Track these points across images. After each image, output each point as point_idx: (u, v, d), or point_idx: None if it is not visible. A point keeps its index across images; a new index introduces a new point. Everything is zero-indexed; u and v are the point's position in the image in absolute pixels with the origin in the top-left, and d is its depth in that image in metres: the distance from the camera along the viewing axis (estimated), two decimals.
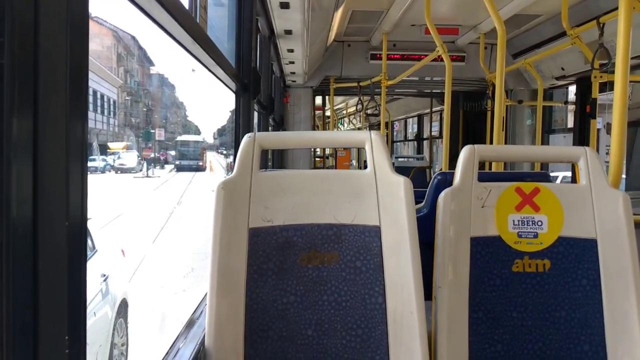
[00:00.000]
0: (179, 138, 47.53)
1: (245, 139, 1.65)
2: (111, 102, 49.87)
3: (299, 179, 1.68)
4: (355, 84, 6.71)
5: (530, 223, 1.74)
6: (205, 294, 1.64)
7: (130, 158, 39.25)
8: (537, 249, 1.73)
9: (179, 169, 40.62)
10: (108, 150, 43.66)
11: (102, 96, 46.08)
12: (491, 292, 1.72)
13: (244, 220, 1.62)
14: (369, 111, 10.13)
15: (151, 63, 58.72)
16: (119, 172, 36.63)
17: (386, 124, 14.15)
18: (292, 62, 4.97)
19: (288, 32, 3.73)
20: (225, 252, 1.58)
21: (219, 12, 2.99)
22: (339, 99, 8.41)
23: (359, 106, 7.44)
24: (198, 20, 1.71)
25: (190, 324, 1.74)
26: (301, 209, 1.65)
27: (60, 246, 0.70)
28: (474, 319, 1.69)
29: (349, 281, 1.62)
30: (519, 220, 1.74)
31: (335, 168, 8.43)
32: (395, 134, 15.13)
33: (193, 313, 1.84)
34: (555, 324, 1.71)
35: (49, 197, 0.68)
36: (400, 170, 7.22)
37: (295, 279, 1.62)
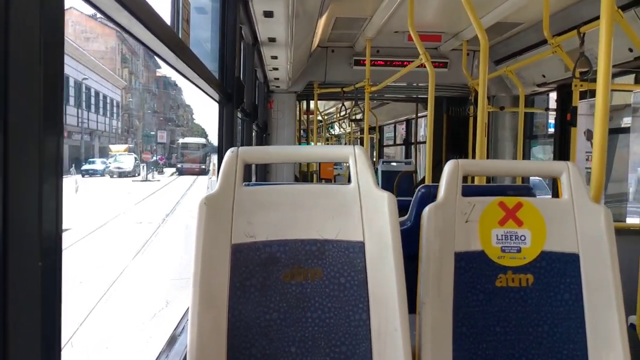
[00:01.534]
0: (181, 140, 45.86)
1: (228, 154, 1.64)
2: (114, 104, 48.65)
3: (282, 194, 1.67)
4: (339, 90, 6.72)
5: (514, 238, 1.75)
6: (187, 310, 1.61)
7: (127, 161, 37.41)
8: (520, 263, 1.74)
9: (181, 172, 38.93)
10: (110, 153, 42.22)
11: (104, 97, 45.02)
12: (475, 307, 1.72)
13: (227, 236, 1.60)
14: (358, 116, 10.16)
15: (156, 65, 57.29)
16: (114, 175, 35.19)
17: (375, 128, 14.23)
18: (276, 69, 4.96)
19: (272, 39, 3.72)
20: (208, 268, 1.56)
21: (202, 20, 2.97)
22: (330, 102, 8.41)
23: (343, 112, 7.45)
24: (180, 34, 1.69)
25: (172, 340, 1.72)
26: (285, 224, 1.64)
27: (33, 265, 0.68)
28: (458, 334, 1.70)
29: (332, 297, 1.61)
30: (502, 235, 1.75)
31: (319, 173, 8.42)
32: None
33: (175, 329, 1.81)
34: (538, 339, 1.71)
35: (21, 215, 0.66)
36: (386, 174, 7.24)
37: (279, 295, 1.61)
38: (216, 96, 2.53)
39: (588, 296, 1.71)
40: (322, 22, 5.18)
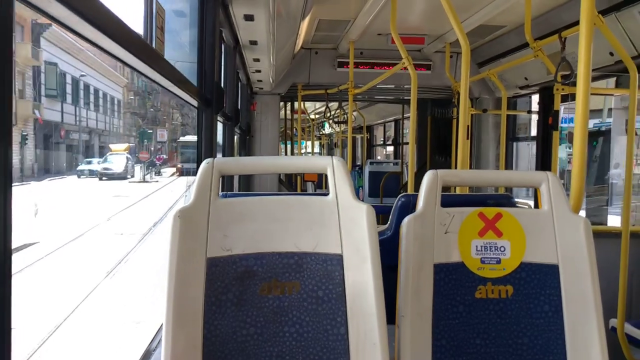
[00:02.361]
0: (181, 139, 42.81)
1: (203, 165, 1.60)
2: (115, 102, 47.02)
3: (259, 205, 1.64)
4: (322, 92, 6.69)
5: (493, 249, 1.74)
6: (161, 326, 1.58)
7: (118, 161, 34.04)
8: (500, 274, 1.72)
9: (181, 172, 36.02)
10: (110, 152, 40.03)
11: (104, 95, 43.44)
12: (454, 319, 1.70)
13: (202, 250, 1.57)
14: (342, 117, 10.10)
15: None
16: (103, 178, 31.96)
17: (366, 128, 14.20)
18: (259, 71, 4.92)
19: (253, 42, 3.68)
20: (182, 282, 1.53)
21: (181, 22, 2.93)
22: (319, 102, 8.37)
23: (327, 113, 7.42)
24: (154, 43, 1.65)
25: (146, 356, 1.68)
26: (261, 237, 1.61)
27: None
28: (437, 347, 1.68)
29: (310, 311, 1.58)
30: (482, 246, 1.74)
31: (304, 179, 8.38)
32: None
33: (149, 345, 1.77)
34: (518, 351, 1.70)
35: None
36: (373, 175, 7.21)
37: (255, 310, 1.58)
38: (194, 102, 2.49)
39: (567, 307, 1.70)
40: (305, 24, 5.15)
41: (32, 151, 30.97)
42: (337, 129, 15.12)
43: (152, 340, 1.82)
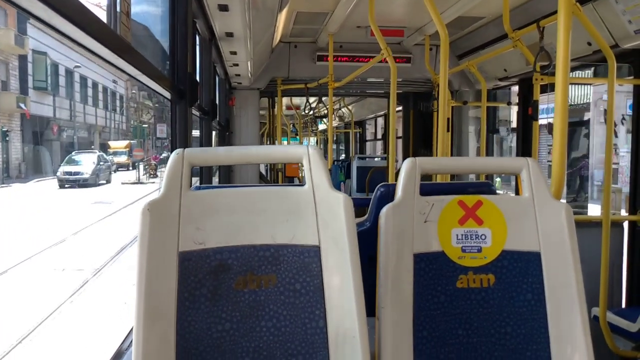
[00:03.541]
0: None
1: (173, 156, 1.54)
2: (117, 97, 44.45)
3: (233, 197, 1.58)
4: (302, 86, 6.63)
5: (474, 237, 1.70)
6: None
7: (85, 163, 26.73)
8: (481, 263, 1.69)
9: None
10: (109, 150, 37.53)
11: (104, 89, 40.93)
12: (436, 309, 1.66)
13: (173, 244, 1.51)
14: (323, 111, 10.04)
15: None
16: (66, 185, 24.90)
17: (358, 122, 14.12)
18: (236, 65, 4.84)
19: (229, 34, 3.61)
20: (152, 278, 1.47)
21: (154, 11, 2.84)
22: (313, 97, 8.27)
23: (307, 109, 7.36)
24: (119, 29, 1.58)
25: (118, 356, 1.61)
26: (236, 230, 1.55)
27: None
28: (419, 339, 1.64)
29: (288, 305, 1.53)
30: (462, 235, 1.70)
31: (285, 172, 8.32)
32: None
33: (121, 345, 1.71)
34: (502, 340, 1.67)
35: None
36: (361, 170, 7.20)
37: (231, 304, 1.52)
38: (167, 94, 2.42)
39: (550, 295, 1.67)
40: (282, 16, 5.07)
41: (18, 149, 27.77)
42: (327, 125, 15.01)
43: (124, 340, 1.75)
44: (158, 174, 30.51)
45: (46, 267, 10.20)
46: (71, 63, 33.13)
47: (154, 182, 27.66)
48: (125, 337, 1.77)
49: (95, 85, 38.86)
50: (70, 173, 25.85)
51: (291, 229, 1.55)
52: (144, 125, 45.38)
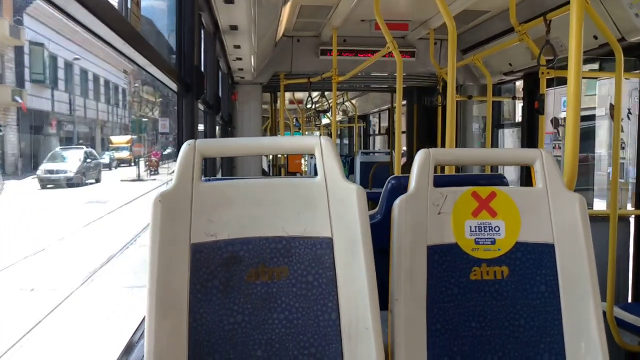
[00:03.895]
0: None
1: (184, 147, 1.52)
2: (119, 90, 42.13)
3: (245, 189, 1.56)
4: (305, 80, 6.60)
5: (488, 229, 1.68)
6: (144, 317, 1.50)
7: (71, 159, 23.23)
8: (495, 255, 1.67)
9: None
10: (110, 145, 36.07)
11: (106, 82, 38.94)
12: (449, 302, 1.65)
13: (185, 235, 1.49)
14: (325, 106, 10.01)
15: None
16: (48, 185, 21.04)
17: (362, 117, 14.06)
18: (240, 59, 4.81)
19: (234, 27, 3.59)
20: (165, 270, 1.45)
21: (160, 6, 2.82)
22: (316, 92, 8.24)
23: (309, 104, 7.33)
24: (129, 18, 1.56)
25: (128, 349, 1.60)
26: (248, 222, 1.53)
27: None
28: (432, 331, 1.62)
29: (300, 297, 1.52)
30: (475, 227, 1.68)
31: (287, 167, 8.29)
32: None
33: (132, 337, 1.69)
34: (515, 333, 1.65)
35: None
36: (364, 165, 7.15)
37: (243, 296, 1.51)
38: (174, 86, 2.40)
39: (564, 287, 1.65)
40: (286, 10, 5.05)
41: (14, 144, 25.92)
42: (331, 119, 14.93)
43: (134, 332, 1.74)
44: (160, 170, 29.23)
45: (11, 287, 8.09)
46: (70, 55, 31.84)
47: (154, 179, 26.20)
48: (136, 329, 1.76)
49: (96, 78, 37.56)
50: (52, 171, 21.82)
51: (303, 220, 1.54)
52: (143, 119, 43.30)
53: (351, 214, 1.52)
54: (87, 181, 23.47)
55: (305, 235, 1.53)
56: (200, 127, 3.93)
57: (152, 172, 28.79)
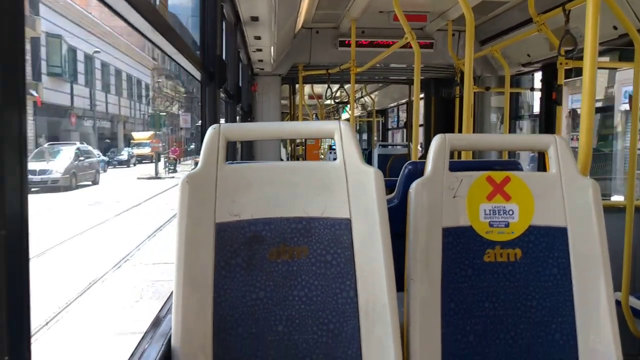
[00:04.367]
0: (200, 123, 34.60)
1: (210, 131, 1.60)
2: (143, 86, 42.06)
3: (267, 172, 1.63)
4: (324, 72, 6.65)
5: (502, 212, 1.73)
6: (172, 292, 1.58)
7: (61, 157, 20.04)
8: (508, 238, 1.72)
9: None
10: (132, 142, 36.02)
11: (129, 77, 38.67)
12: (463, 282, 1.70)
13: (210, 215, 1.57)
14: (347, 97, 10.01)
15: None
16: (33, 189, 17.35)
17: (380, 111, 14.06)
18: (260, 50, 4.88)
19: (255, 18, 3.65)
20: (191, 248, 1.53)
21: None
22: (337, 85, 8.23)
23: (329, 96, 7.37)
24: (157, 6, 1.63)
25: (156, 322, 1.68)
26: (269, 203, 1.60)
27: None
28: (446, 311, 1.68)
29: (319, 275, 1.59)
30: (490, 210, 1.73)
31: (305, 156, 8.36)
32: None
33: (159, 311, 1.78)
34: (527, 313, 1.70)
35: None
36: (382, 158, 7.16)
37: (265, 274, 1.58)
38: (198, 75, 2.47)
39: (576, 270, 1.70)
40: (305, 1, 5.10)
41: (30, 140, 24.24)
42: (350, 113, 14.90)
43: (162, 307, 1.82)
44: (178, 169, 28.66)
45: None
46: (90, 48, 31.01)
47: (173, 177, 24.71)
48: (164, 304, 1.84)
49: (118, 72, 36.90)
50: (34, 172, 17.83)
51: (322, 202, 1.60)
52: (161, 114, 42.42)
53: (369, 196, 1.57)
54: (79, 183, 20.38)
55: (325, 216, 1.60)
56: (222, 121, 4.01)
57: (171, 170, 28.14)
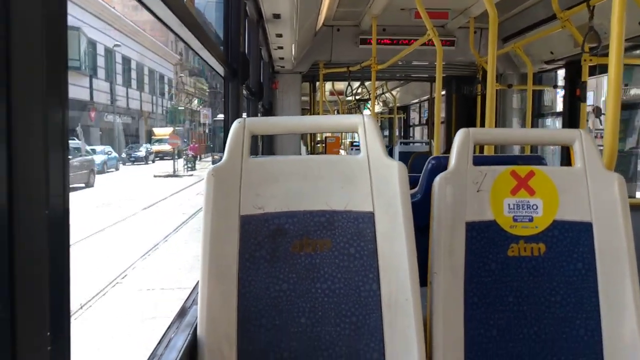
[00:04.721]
0: (220, 117, 30.03)
1: (235, 125, 1.62)
2: (165, 81, 40.83)
3: (290, 165, 1.65)
4: (345, 69, 6.65)
5: (526, 207, 1.73)
6: (197, 282, 1.61)
7: None
8: (533, 232, 1.71)
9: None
10: (153, 137, 35.18)
11: (151, 72, 37.63)
12: (487, 277, 1.70)
13: (235, 208, 1.59)
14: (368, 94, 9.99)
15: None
16: None
17: (402, 108, 14.02)
18: (281, 47, 4.90)
19: (277, 16, 3.67)
20: (217, 239, 1.55)
21: None
22: (357, 82, 8.16)
23: (350, 94, 7.38)
24: (185, 1, 1.66)
25: (182, 312, 1.71)
26: (293, 196, 1.62)
27: (40, 236, 0.66)
28: (469, 304, 1.68)
29: (342, 268, 1.60)
30: (514, 204, 1.73)
31: (325, 153, 8.38)
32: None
33: (185, 301, 1.81)
34: (551, 308, 1.70)
35: (27, 185, 0.64)
36: (403, 155, 7.14)
37: (288, 266, 1.60)
38: (221, 71, 2.50)
39: (601, 265, 1.68)
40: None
41: None
42: (378, 110, 14.87)
43: (187, 297, 1.85)
44: (197, 166, 27.79)
45: None
46: (110, 41, 30.04)
47: (192, 175, 23.94)
48: (189, 296, 1.87)
49: (140, 67, 36.02)
50: None
51: (346, 195, 1.61)
52: (179, 108, 40.67)
53: (392, 190, 1.58)
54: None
55: (348, 210, 1.61)
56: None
57: (189, 168, 27.09)
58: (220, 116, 27.00)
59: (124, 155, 30.49)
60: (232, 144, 1.61)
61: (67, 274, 0.71)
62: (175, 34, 1.69)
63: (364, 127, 1.63)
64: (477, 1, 5.09)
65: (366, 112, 16.42)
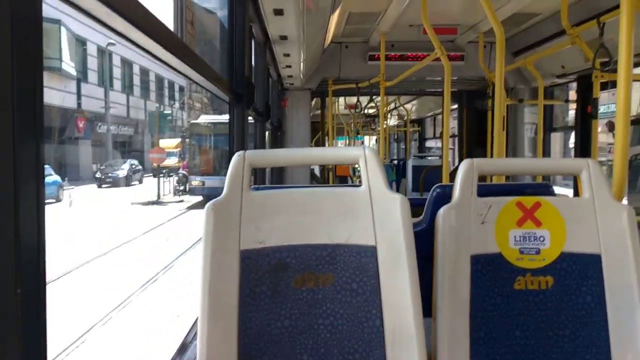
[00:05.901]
0: (203, 119, 22.51)
1: (235, 158, 1.60)
2: (174, 88, 36.63)
3: (291, 198, 1.63)
4: (354, 86, 6.65)
5: (532, 239, 1.69)
6: (197, 319, 1.59)
7: None
8: (540, 265, 1.67)
9: (193, 193, 19.19)
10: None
11: (157, 78, 33.52)
12: (493, 311, 1.66)
13: (235, 242, 1.57)
14: (371, 111, 10.01)
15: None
16: None
17: (418, 121, 14.03)
18: (289, 66, 4.92)
19: (283, 37, 3.68)
20: (216, 275, 1.53)
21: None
22: (366, 98, 8.07)
23: (360, 109, 7.37)
24: (185, 37, 1.66)
25: (182, 349, 1.69)
26: (294, 229, 1.60)
27: (9, 276, 0.64)
28: (475, 340, 1.64)
29: (345, 304, 1.57)
30: (520, 236, 1.69)
31: (335, 173, 8.36)
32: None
33: (185, 337, 1.79)
34: (559, 343, 1.65)
35: None
36: (416, 169, 7.10)
37: (290, 302, 1.57)
38: (225, 97, 2.50)
39: (611, 298, 1.64)
40: (335, 17, 5.12)
41: None
42: (391, 123, 14.96)
43: (187, 333, 1.83)
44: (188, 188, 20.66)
45: None
46: (104, 39, 24.97)
47: (182, 201, 19.15)
48: (189, 331, 1.85)
49: (144, 71, 31.50)
50: None
51: (347, 229, 1.59)
52: (165, 112, 32.49)
53: (395, 223, 1.55)
54: None
55: (350, 243, 1.58)
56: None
57: (179, 191, 21.45)
58: (203, 118, 22.68)
59: (98, 175, 25.31)
60: (232, 177, 1.59)
61: (42, 311, 0.68)
62: (176, 70, 1.68)
63: (364, 159, 1.60)
64: (486, 17, 5.07)
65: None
